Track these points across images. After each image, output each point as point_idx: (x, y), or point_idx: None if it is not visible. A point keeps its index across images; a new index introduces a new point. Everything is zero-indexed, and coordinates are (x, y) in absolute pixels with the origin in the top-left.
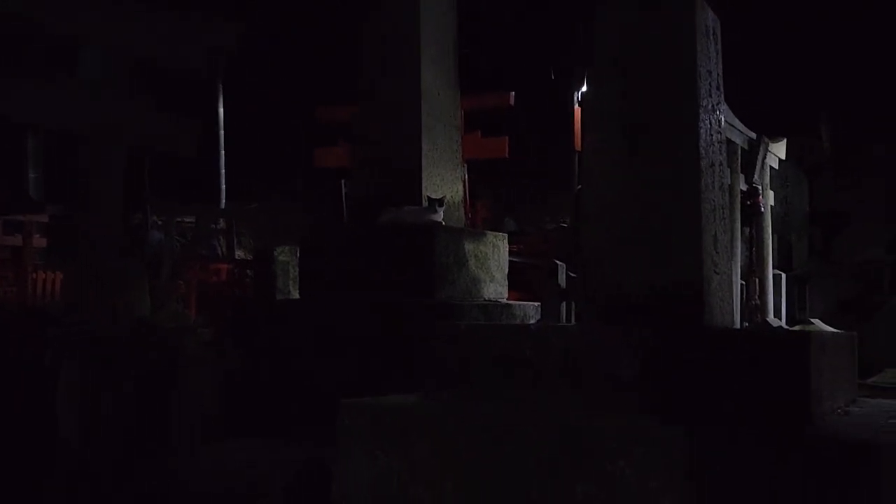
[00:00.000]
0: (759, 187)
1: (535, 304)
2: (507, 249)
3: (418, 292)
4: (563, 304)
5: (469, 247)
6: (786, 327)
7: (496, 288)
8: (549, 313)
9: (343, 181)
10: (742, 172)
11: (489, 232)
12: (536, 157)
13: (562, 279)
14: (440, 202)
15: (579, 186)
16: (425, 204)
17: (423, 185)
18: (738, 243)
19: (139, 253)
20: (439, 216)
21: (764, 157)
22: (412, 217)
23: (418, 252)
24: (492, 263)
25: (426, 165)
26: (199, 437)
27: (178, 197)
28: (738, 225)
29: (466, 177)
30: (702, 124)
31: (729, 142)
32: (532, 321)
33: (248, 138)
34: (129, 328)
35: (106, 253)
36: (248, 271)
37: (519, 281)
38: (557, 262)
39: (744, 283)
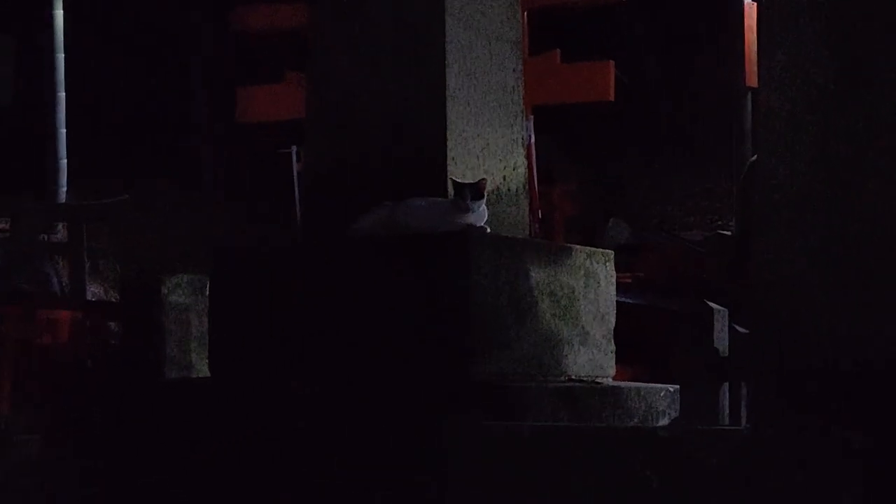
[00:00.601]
0: None
1: (670, 387)
2: (614, 280)
3: (440, 364)
4: (726, 386)
5: (538, 276)
6: None
7: (592, 355)
8: (695, 405)
9: (294, 149)
10: None
11: (577, 247)
12: (667, 102)
13: (720, 338)
14: (477, 190)
15: (754, 158)
16: (450, 193)
17: (448, 155)
18: None
19: None
20: (479, 216)
21: None
22: (424, 220)
23: (438, 287)
24: (583, 307)
25: (453, 119)
26: None
27: None
28: None
29: (533, 139)
30: None
31: None
32: (664, 421)
33: (111, 72)
34: None
35: None
36: (110, 324)
37: (636, 341)
38: (711, 304)
39: None
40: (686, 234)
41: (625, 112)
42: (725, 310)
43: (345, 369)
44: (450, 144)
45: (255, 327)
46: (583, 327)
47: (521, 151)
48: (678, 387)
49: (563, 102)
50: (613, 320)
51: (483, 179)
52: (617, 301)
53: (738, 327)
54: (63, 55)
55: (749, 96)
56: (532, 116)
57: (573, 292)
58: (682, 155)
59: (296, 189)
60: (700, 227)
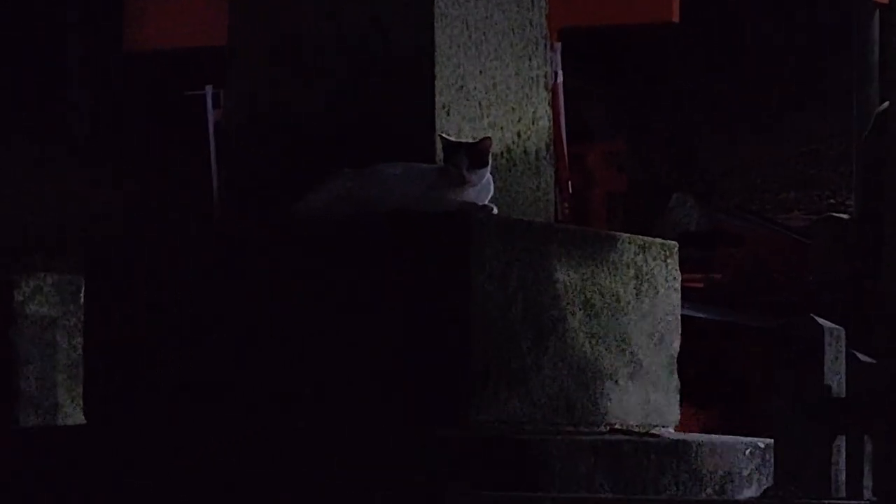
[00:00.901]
0: None
1: (759, 442)
2: (679, 285)
3: (427, 408)
4: (841, 440)
5: (568, 277)
6: None
7: (645, 394)
8: (796, 467)
9: (210, 91)
10: None
11: (625, 236)
12: (755, 24)
13: (833, 370)
14: (479, 152)
15: (884, 105)
16: (440, 157)
17: (436, 102)
18: None
19: None
20: (481, 191)
21: None
22: (400, 195)
23: (423, 294)
24: (633, 324)
25: (444, 47)
26: None
27: None
28: None
29: (562, 78)
30: None
31: None
32: (750, 490)
33: None
34: None
35: None
36: None
37: (711, 373)
38: (821, 321)
39: None
40: (783, 218)
41: (693, 39)
42: (841, 329)
43: (281, 405)
44: (439, 85)
45: (150, 349)
46: (632, 353)
47: (544, 95)
48: (771, 441)
49: (606, 24)
50: (678, 343)
51: (487, 138)
52: (683, 315)
53: (858, 355)
54: None
55: (877, 15)
56: (560, 44)
57: (618, 302)
58: (777, 101)
59: (212, 148)
60: (803, 206)
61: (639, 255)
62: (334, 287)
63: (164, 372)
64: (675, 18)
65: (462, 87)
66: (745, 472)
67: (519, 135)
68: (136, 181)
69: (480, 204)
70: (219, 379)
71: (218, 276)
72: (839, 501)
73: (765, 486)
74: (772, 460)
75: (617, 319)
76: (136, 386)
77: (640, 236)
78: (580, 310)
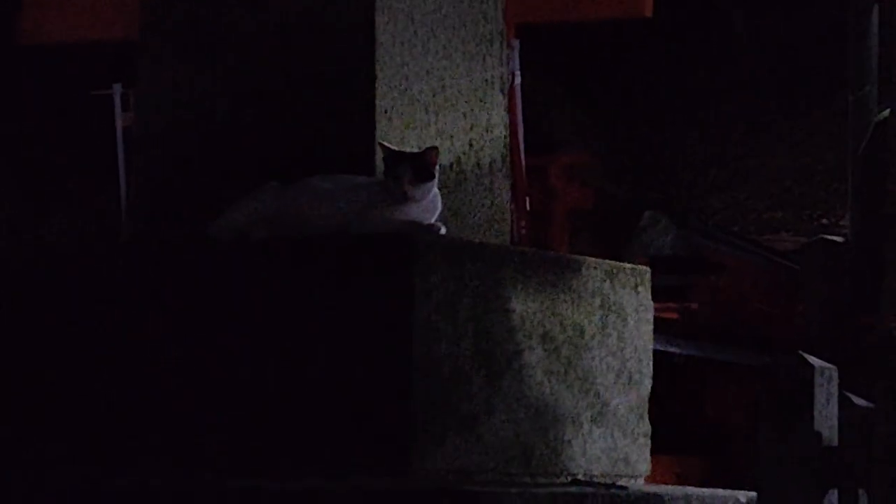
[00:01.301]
0: None
1: (741, 496)
2: (652, 316)
3: (363, 458)
4: (833, 495)
5: (525, 307)
6: None
7: (612, 440)
8: None
9: (118, 90)
10: None
11: (591, 260)
12: (738, 21)
13: (825, 415)
14: (424, 164)
15: (884, 113)
16: (379, 171)
17: (376, 105)
18: None
19: None
20: (426, 208)
21: None
22: (333, 213)
23: (358, 327)
24: (598, 361)
25: (386, 43)
26: None
27: None
28: None
29: (519, 80)
30: None
31: None
32: None
33: None
34: None
35: None
36: None
37: (687, 417)
38: (811, 359)
39: None
40: (769, 240)
41: (668, 37)
42: (834, 368)
43: (190, 457)
44: (380, 87)
45: (42, 392)
46: (597, 394)
47: (501, 100)
48: (755, 494)
49: (571, 21)
50: (649, 383)
51: (434, 147)
52: (655, 351)
53: (853, 397)
54: None
55: (875, 10)
56: (518, 41)
57: (582, 336)
58: (763, 108)
59: (120, 155)
60: (792, 227)
61: (605, 282)
62: (253, 319)
63: (58, 420)
64: (648, 13)
65: (406, 89)
66: None
67: (471, 144)
68: (29, 194)
69: (426, 223)
70: (119, 425)
71: (123, 305)
72: None
73: None
74: None
75: (580, 355)
76: (24, 433)
77: (608, 261)
78: (539, 344)
